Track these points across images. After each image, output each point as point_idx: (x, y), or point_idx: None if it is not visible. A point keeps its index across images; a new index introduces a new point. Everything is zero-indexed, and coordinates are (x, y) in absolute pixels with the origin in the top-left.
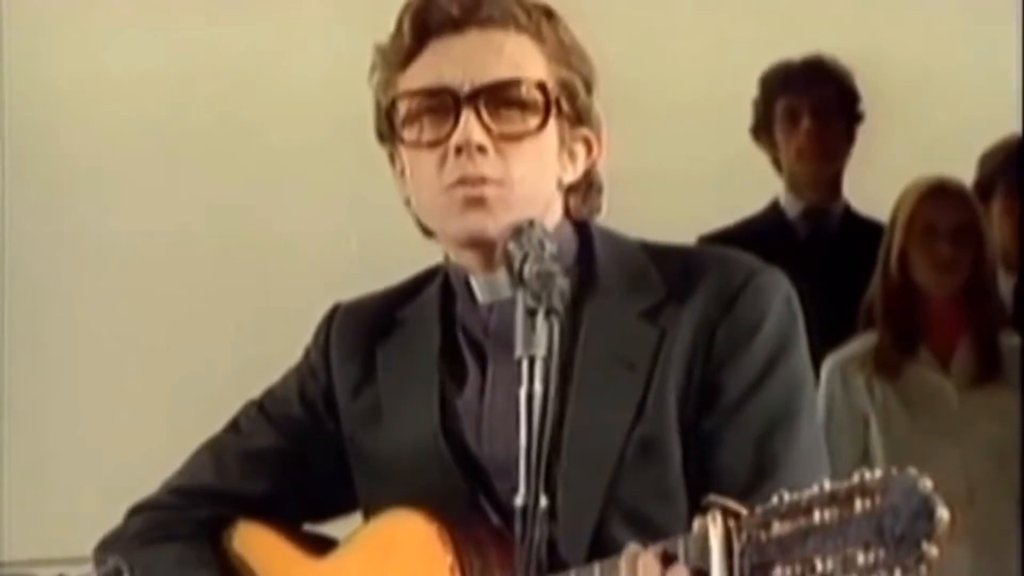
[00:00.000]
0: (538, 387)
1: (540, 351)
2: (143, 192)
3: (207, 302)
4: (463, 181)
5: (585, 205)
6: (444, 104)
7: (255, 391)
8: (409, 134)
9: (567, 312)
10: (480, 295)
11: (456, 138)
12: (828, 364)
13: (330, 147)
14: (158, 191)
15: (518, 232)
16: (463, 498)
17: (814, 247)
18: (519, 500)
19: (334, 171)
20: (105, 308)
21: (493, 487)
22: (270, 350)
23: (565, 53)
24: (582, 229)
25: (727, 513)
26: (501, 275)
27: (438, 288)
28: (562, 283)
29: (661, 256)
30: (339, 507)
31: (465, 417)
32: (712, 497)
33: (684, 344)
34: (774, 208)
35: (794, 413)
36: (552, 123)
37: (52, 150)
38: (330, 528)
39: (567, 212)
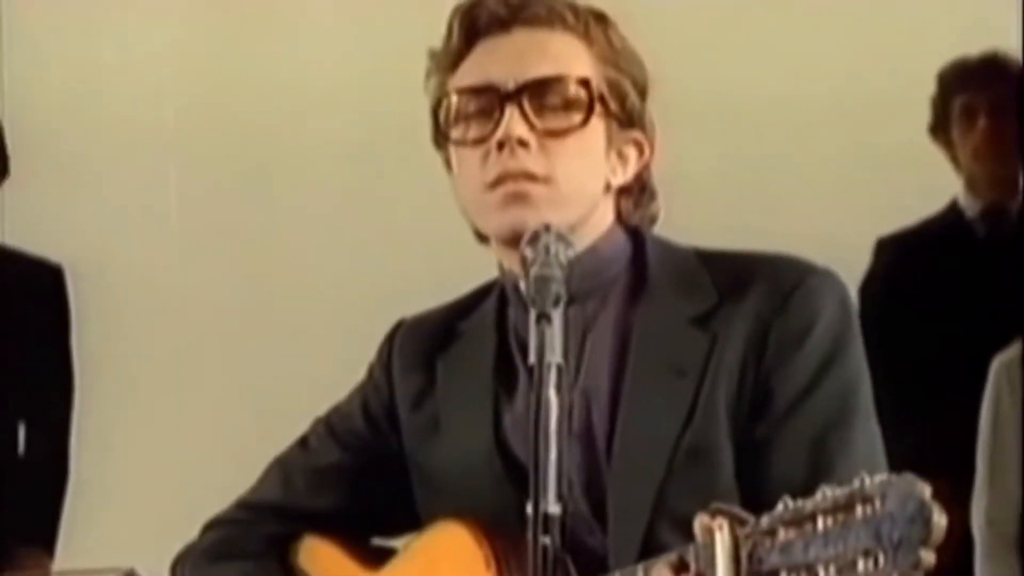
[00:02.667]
0: (551, 393)
1: (554, 358)
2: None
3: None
4: (505, 177)
5: (638, 211)
6: (489, 102)
7: (298, 411)
8: (455, 133)
9: (609, 318)
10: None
11: (499, 134)
12: (995, 365)
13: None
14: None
15: (534, 237)
16: (515, 510)
17: (993, 247)
18: (529, 508)
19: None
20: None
21: None
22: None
23: (614, 55)
24: (635, 235)
25: (733, 520)
26: None
27: (495, 300)
28: (558, 288)
29: (714, 262)
30: (404, 522)
31: (513, 425)
32: (717, 504)
33: (736, 350)
34: (953, 208)
35: (849, 416)
36: (598, 121)
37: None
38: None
39: (619, 217)
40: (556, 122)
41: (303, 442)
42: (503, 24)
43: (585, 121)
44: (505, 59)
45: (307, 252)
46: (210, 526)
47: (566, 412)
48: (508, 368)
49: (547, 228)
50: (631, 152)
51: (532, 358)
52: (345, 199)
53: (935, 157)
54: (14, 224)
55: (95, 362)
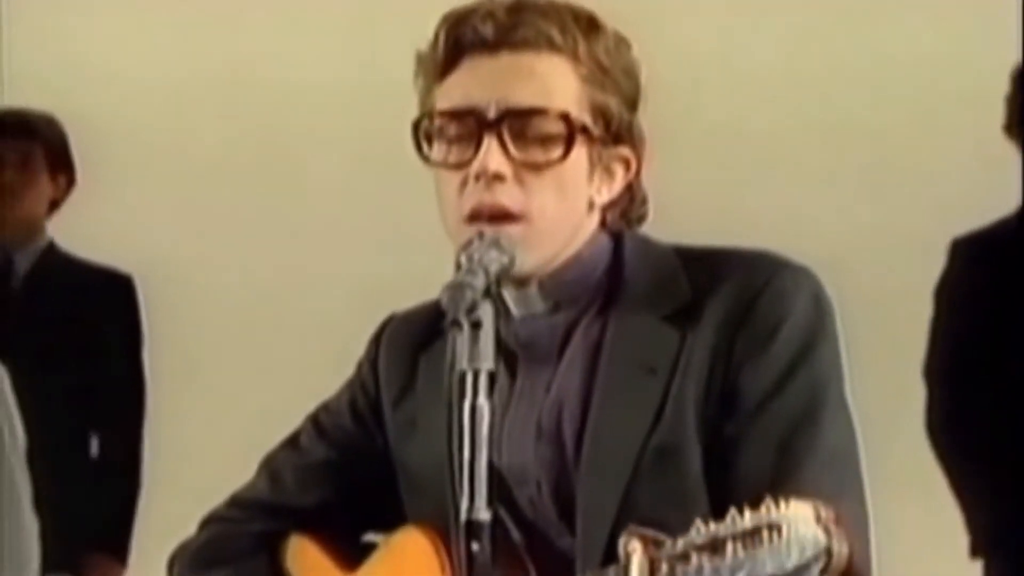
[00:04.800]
0: (482, 400)
1: (486, 365)
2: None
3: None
4: (481, 212)
5: (624, 218)
6: (468, 128)
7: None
8: (436, 153)
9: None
10: (514, 308)
11: (475, 166)
12: None
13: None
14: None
15: (468, 243)
16: None
17: None
18: (463, 515)
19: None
20: None
21: (513, 498)
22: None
23: (601, 73)
24: (616, 238)
25: (649, 543)
26: (532, 290)
27: None
28: (471, 296)
29: (690, 259)
30: (393, 519)
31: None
32: (633, 526)
33: (705, 348)
34: None
35: (817, 416)
36: (580, 149)
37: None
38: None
39: (604, 224)
40: (534, 155)
41: (294, 439)
42: (488, 46)
43: (564, 156)
44: (488, 83)
45: (381, 257)
46: (204, 523)
47: (506, 417)
48: None
49: (480, 235)
50: (618, 168)
51: (463, 365)
52: (409, 197)
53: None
54: (84, 234)
55: (165, 370)
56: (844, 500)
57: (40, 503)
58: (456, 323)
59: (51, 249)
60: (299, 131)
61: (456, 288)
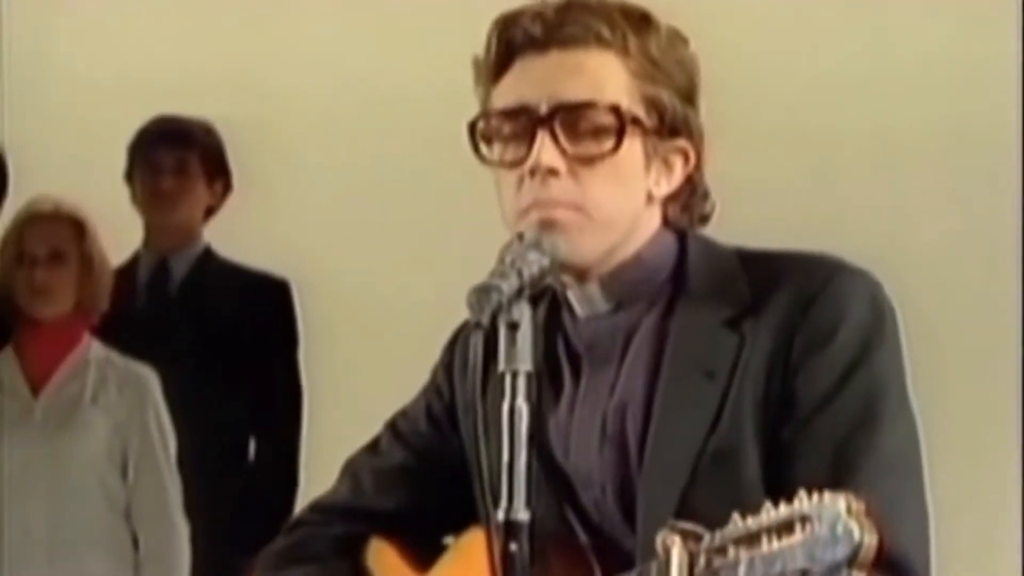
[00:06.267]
0: (520, 402)
1: (524, 366)
2: None
3: None
4: (536, 204)
5: (686, 213)
6: (522, 125)
7: None
8: (493, 153)
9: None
10: (579, 309)
11: (530, 162)
12: None
13: None
14: None
15: (508, 244)
16: (555, 514)
17: None
18: (500, 515)
19: None
20: None
21: (579, 499)
22: None
23: (652, 67)
24: (682, 237)
25: (688, 537)
26: (595, 289)
27: (548, 300)
28: (497, 298)
29: (752, 263)
30: (471, 522)
31: (555, 429)
32: (673, 521)
33: (763, 352)
34: None
35: (874, 420)
36: (633, 142)
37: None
38: None
39: (666, 221)
40: (587, 148)
41: (374, 444)
42: (538, 45)
43: (616, 148)
44: (538, 81)
45: None
46: (288, 527)
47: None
48: (554, 371)
49: (520, 237)
50: (676, 161)
51: (502, 366)
52: None
53: None
54: (240, 240)
55: (321, 375)
56: (903, 504)
57: (199, 507)
58: (478, 325)
59: (207, 255)
60: (453, 139)
61: (481, 291)
